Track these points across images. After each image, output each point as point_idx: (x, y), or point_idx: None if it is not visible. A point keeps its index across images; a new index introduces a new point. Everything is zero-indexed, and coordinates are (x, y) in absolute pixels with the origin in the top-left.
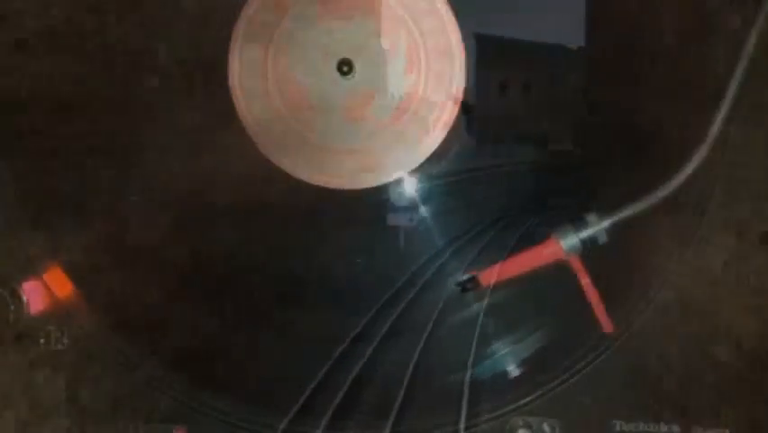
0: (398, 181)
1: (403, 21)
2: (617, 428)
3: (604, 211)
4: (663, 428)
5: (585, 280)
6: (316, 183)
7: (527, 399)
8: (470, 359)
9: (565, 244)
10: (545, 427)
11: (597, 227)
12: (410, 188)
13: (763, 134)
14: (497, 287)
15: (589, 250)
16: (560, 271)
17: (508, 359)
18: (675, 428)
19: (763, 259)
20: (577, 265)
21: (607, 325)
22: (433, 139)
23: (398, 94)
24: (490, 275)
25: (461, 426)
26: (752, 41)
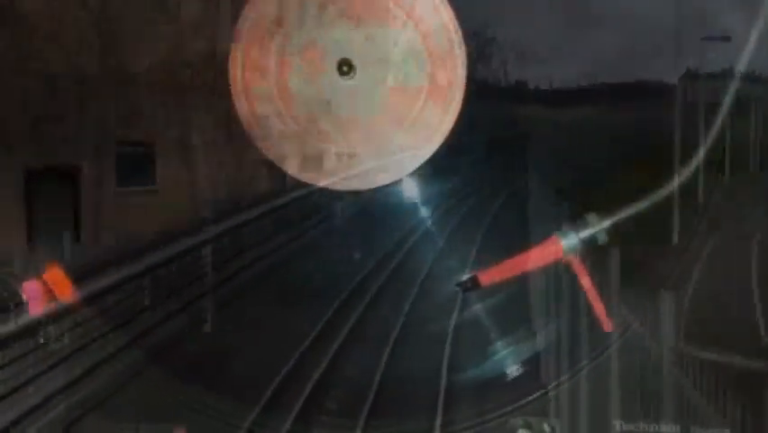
0: (398, 182)
1: (403, 21)
2: (617, 428)
3: (604, 211)
4: (663, 428)
5: (585, 280)
6: (316, 183)
7: (527, 399)
8: (444, 364)
9: (565, 243)
10: (545, 427)
11: (597, 227)
12: (410, 189)
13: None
14: (497, 287)
15: (589, 250)
16: (560, 271)
17: (507, 359)
18: (675, 428)
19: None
20: (577, 265)
21: (607, 325)
22: (433, 141)
23: (399, 95)
24: (491, 275)
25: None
26: (752, 41)
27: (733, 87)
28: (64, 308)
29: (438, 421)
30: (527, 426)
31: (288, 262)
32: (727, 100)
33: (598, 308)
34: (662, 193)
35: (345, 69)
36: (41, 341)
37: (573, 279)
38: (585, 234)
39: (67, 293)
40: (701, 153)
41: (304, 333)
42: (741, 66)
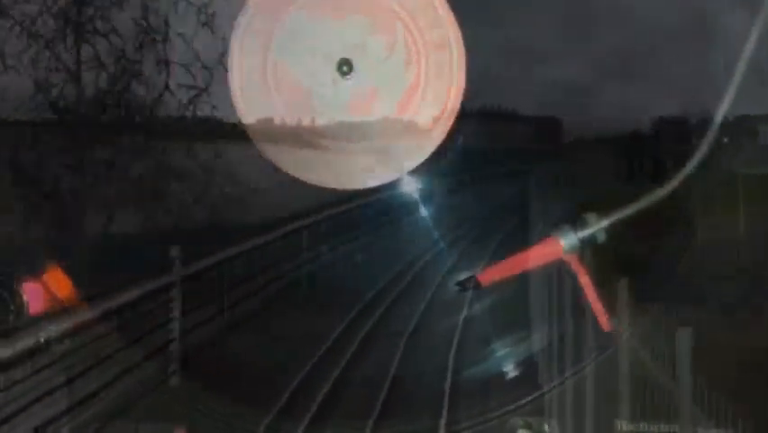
0: (397, 182)
1: (400, 19)
2: (618, 428)
3: (603, 211)
4: (663, 428)
5: (584, 280)
6: (316, 184)
7: (527, 399)
8: (450, 364)
9: (565, 243)
10: (545, 427)
11: (596, 227)
12: (410, 188)
13: None
14: (496, 287)
15: (588, 249)
16: (560, 271)
17: (508, 359)
18: (675, 428)
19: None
20: (577, 265)
21: (606, 325)
22: (431, 140)
23: (398, 94)
24: (490, 274)
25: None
26: (752, 40)
27: (734, 84)
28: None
29: (443, 421)
30: (527, 426)
31: (312, 275)
32: (729, 97)
33: (597, 307)
34: (660, 193)
35: (345, 69)
36: (42, 341)
37: (573, 279)
38: (584, 233)
39: (67, 293)
40: (702, 151)
41: (319, 341)
42: (740, 67)
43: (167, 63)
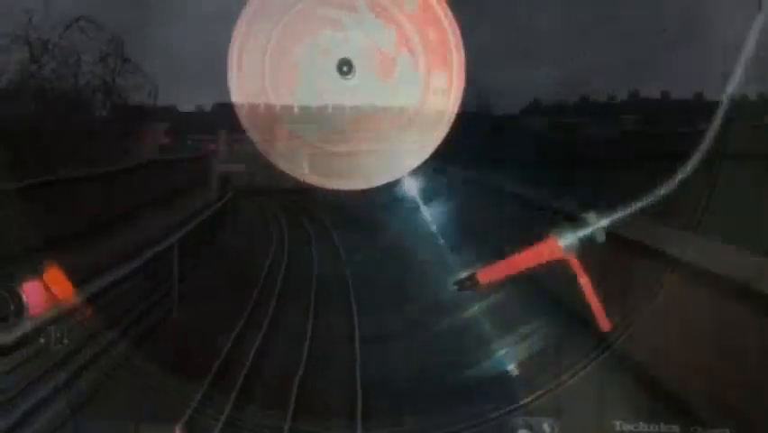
0: (399, 181)
1: (401, 19)
2: (617, 428)
3: (603, 210)
4: (663, 428)
5: (584, 280)
6: (316, 184)
7: (527, 399)
8: (450, 363)
9: (564, 242)
10: (545, 427)
11: (595, 226)
12: (411, 188)
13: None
14: (496, 286)
15: (587, 249)
16: (559, 271)
17: (508, 359)
18: (675, 428)
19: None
20: (576, 265)
21: (606, 324)
22: (432, 140)
23: (398, 94)
24: (490, 274)
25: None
26: (752, 41)
27: (733, 84)
28: (65, 310)
29: (444, 420)
30: (527, 426)
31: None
32: (728, 97)
33: (597, 307)
34: (660, 192)
35: (345, 69)
36: (42, 341)
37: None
38: (583, 232)
39: (67, 293)
40: (701, 152)
41: (316, 341)
42: (740, 67)
43: None
